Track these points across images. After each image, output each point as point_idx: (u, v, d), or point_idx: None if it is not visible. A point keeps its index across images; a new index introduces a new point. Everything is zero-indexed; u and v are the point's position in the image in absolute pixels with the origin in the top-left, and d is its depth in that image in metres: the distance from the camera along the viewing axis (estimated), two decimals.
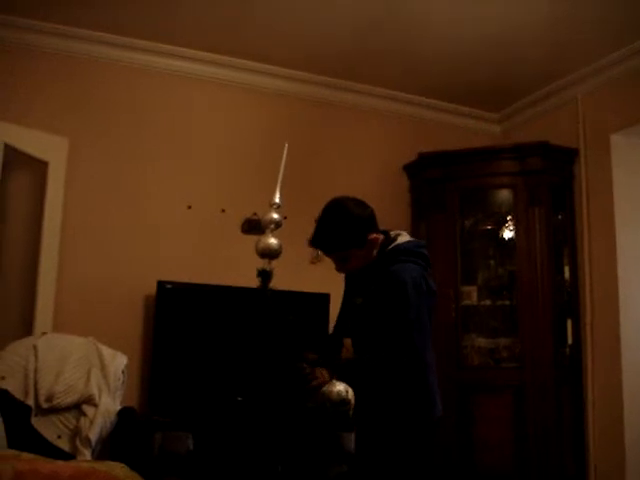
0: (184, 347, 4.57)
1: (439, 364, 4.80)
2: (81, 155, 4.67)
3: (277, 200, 2.53)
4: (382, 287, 2.68)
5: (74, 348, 4.03)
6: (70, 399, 3.80)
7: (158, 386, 4.49)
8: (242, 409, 4.50)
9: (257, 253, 2.50)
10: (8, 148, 4.24)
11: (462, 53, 4.95)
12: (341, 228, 2.69)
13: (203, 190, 5.02)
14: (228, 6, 4.42)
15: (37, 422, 3.75)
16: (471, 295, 5.24)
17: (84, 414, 3.80)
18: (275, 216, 2.50)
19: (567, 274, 5.21)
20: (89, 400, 3.84)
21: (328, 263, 2.83)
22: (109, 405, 3.90)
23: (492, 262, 5.39)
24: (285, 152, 2.63)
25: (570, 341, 5.11)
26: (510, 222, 5.25)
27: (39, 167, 4.49)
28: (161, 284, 4.57)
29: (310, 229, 2.75)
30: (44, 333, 4.15)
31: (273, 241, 2.47)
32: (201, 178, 5.04)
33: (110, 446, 3.91)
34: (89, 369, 3.95)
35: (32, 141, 4.40)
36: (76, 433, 3.76)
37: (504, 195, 5.35)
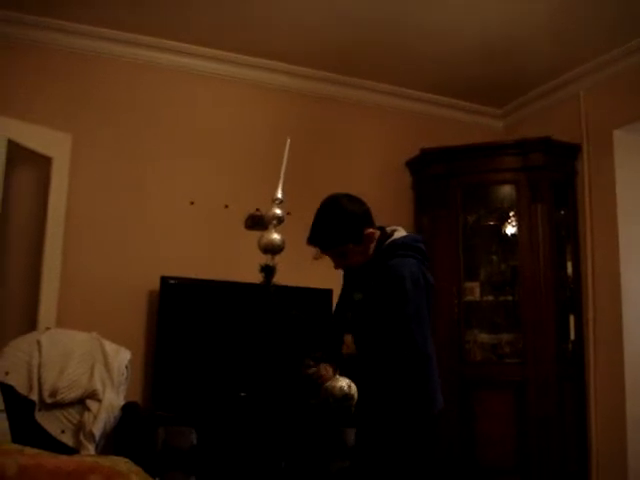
0: (187, 342, 4.58)
1: (442, 360, 4.82)
2: (84, 151, 4.68)
3: (280, 196, 2.54)
4: (381, 282, 2.69)
5: (78, 343, 4.04)
6: (74, 394, 3.82)
7: (161, 381, 4.50)
8: (245, 404, 4.51)
9: (260, 249, 2.50)
10: (12, 144, 4.24)
11: (465, 49, 4.95)
12: (336, 224, 2.71)
13: (206, 186, 5.03)
14: (231, 2, 4.42)
15: (41, 417, 3.76)
16: (474, 291, 5.24)
17: (88, 409, 3.82)
18: (278, 212, 2.51)
19: (569, 270, 5.21)
20: (93, 395, 3.85)
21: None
22: (113, 400, 3.91)
23: (495, 258, 5.40)
24: (287, 147, 2.63)
25: (572, 337, 5.11)
26: (512, 218, 5.26)
27: (43, 163, 4.50)
28: (164, 279, 4.58)
29: None
30: (48, 328, 4.16)
31: (276, 237, 2.48)
32: (204, 174, 5.05)
33: (114, 441, 3.92)
34: (93, 364, 3.96)
35: (36, 137, 4.41)
36: (80, 428, 3.78)
37: (507, 191, 5.35)
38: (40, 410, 3.77)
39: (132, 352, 4.24)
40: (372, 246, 2.79)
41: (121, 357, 4.10)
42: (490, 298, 5.27)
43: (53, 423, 3.78)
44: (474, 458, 4.90)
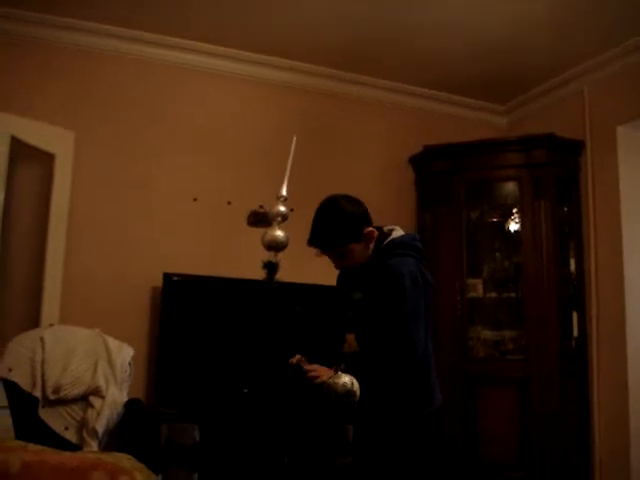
0: (190, 339, 4.58)
1: (445, 356, 4.86)
2: (87, 148, 4.68)
3: (284, 193, 2.54)
4: (380, 281, 2.72)
5: (81, 340, 4.04)
6: (77, 391, 3.82)
7: (164, 378, 4.50)
8: (248, 401, 4.52)
9: (264, 246, 2.50)
10: (15, 140, 4.25)
11: (467, 46, 4.94)
12: (337, 224, 2.74)
13: (209, 183, 5.03)
14: (234, 1, 4.41)
15: (44, 413, 3.77)
16: (477, 287, 5.25)
17: (91, 405, 3.82)
18: (282, 209, 2.51)
19: (573, 266, 5.21)
20: (96, 392, 3.86)
21: None
22: (116, 397, 3.92)
23: (498, 255, 5.39)
24: (294, 145, 2.63)
25: (576, 333, 5.11)
26: (516, 214, 5.25)
27: (46, 159, 4.51)
28: (167, 276, 4.58)
29: None
30: (51, 325, 4.18)
31: (280, 234, 2.47)
32: (207, 171, 5.05)
33: (117, 437, 3.93)
34: (96, 361, 3.96)
35: (39, 134, 4.41)
36: (83, 424, 3.79)
37: (510, 187, 5.34)
38: (43, 407, 3.78)
39: (135, 349, 4.24)
40: (371, 246, 2.82)
41: (124, 354, 4.11)
42: (493, 295, 5.27)
43: (56, 420, 3.79)
44: (477, 455, 4.90)
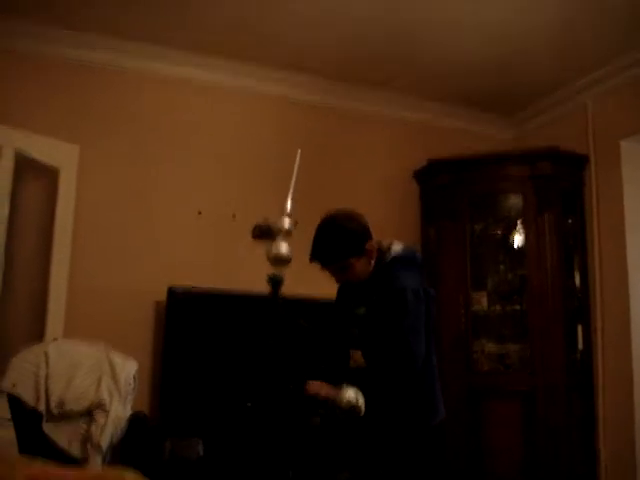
0: (195, 353, 4.58)
1: (449, 370, 4.85)
2: (92, 162, 4.69)
3: (289, 207, 2.54)
4: (382, 295, 2.74)
5: (85, 354, 4.03)
6: (81, 405, 3.81)
7: (169, 392, 4.49)
8: (252, 415, 4.50)
9: (269, 260, 2.51)
10: (19, 155, 4.26)
11: (471, 60, 4.96)
12: (338, 238, 2.77)
13: (213, 196, 5.04)
14: (237, 13, 4.44)
15: (48, 428, 3.75)
16: (481, 301, 5.24)
17: (95, 420, 3.81)
18: (287, 223, 2.51)
19: (577, 279, 5.20)
20: (100, 406, 3.84)
21: None
22: (120, 411, 3.90)
23: (502, 267, 5.39)
24: (298, 159, 2.64)
25: (581, 346, 5.09)
26: (520, 227, 5.24)
27: (50, 174, 4.52)
28: (172, 290, 4.57)
29: None
30: (55, 339, 4.16)
31: (284, 248, 2.48)
32: (211, 184, 5.06)
33: (121, 452, 3.92)
34: (100, 375, 3.95)
35: (43, 148, 4.42)
36: (87, 439, 3.77)
37: (514, 200, 5.34)
38: (47, 421, 3.76)
39: (139, 363, 4.22)
40: (373, 261, 2.84)
41: (128, 368, 4.09)
42: (498, 308, 5.26)
43: (60, 434, 3.77)
44: (482, 468, 4.88)
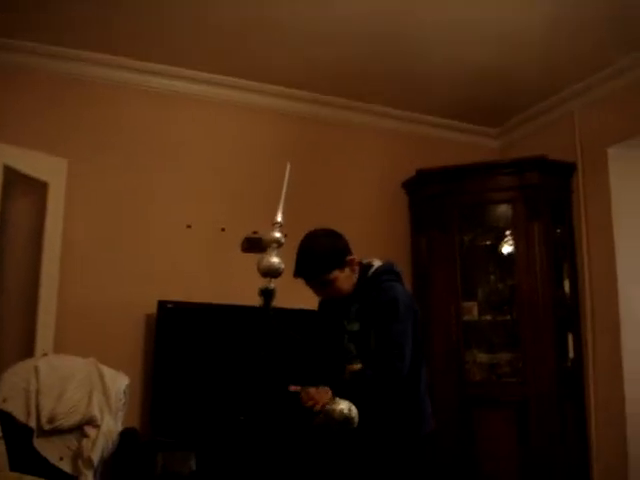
0: (186, 366, 4.56)
1: (442, 380, 4.86)
2: (80, 176, 4.67)
3: (279, 219, 2.55)
4: (374, 307, 2.76)
5: (75, 369, 4.02)
6: (72, 420, 3.79)
7: (160, 406, 4.47)
8: (245, 428, 4.49)
9: (259, 272, 2.51)
10: (8, 169, 4.24)
11: (459, 71, 4.99)
12: (319, 252, 2.79)
13: (203, 209, 5.03)
14: (227, 27, 4.45)
15: (39, 444, 3.73)
16: (472, 310, 5.24)
17: (86, 435, 3.79)
18: (278, 235, 2.51)
19: (567, 288, 5.20)
20: (91, 421, 3.83)
21: None
22: (111, 426, 3.88)
23: (492, 277, 5.40)
24: (287, 171, 2.65)
25: (572, 355, 5.10)
26: (509, 237, 5.26)
27: (39, 188, 4.50)
28: (162, 304, 4.56)
29: None
30: (45, 354, 4.15)
31: (275, 260, 2.48)
32: (200, 197, 5.05)
33: (113, 467, 3.89)
34: (90, 390, 3.93)
35: (32, 162, 4.40)
36: (78, 454, 3.74)
37: (503, 210, 5.35)
38: (38, 437, 3.74)
39: (130, 377, 4.21)
40: (355, 275, 2.87)
41: (119, 382, 4.08)
42: (488, 317, 5.27)
43: (51, 450, 3.75)
44: (475, 478, 4.86)
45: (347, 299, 2.86)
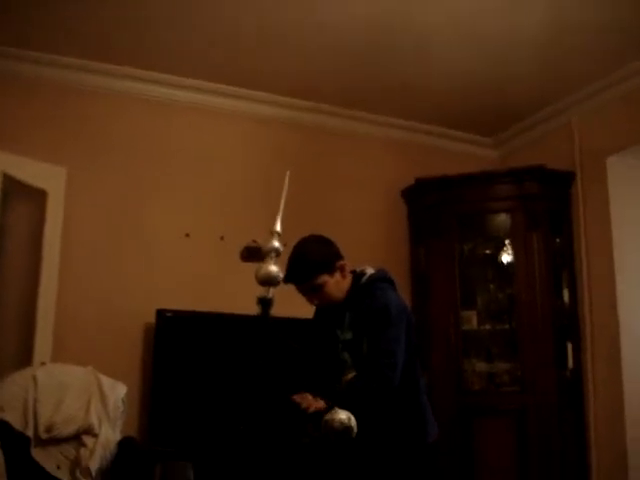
0: (184, 375, 4.55)
1: (441, 388, 4.85)
2: (79, 184, 4.67)
3: (278, 228, 2.54)
4: (366, 315, 2.77)
5: (73, 378, 4.01)
6: (70, 429, 3.78)
7: (158, 415, 4.46)
8: (244, 438, 4.47)
9: (257, 281, 2.50)
10: (7, 178, 4.24)
11: (458, 81, 5.00)
12: (308, 256, 2.82)
13: (201, 218, 5.03)
14: (228, 36, 4.46)
15: (37, 453, 3.72)
16: (471, 320, 5.23)
17: (84, 444, 3.78)
18: (276, 244, 2.51)
19: (566, 297, 5.20)
20: (89, 430, 3.82)
21: None
22: (109, 435, 3.88)
23: (491, 286, 5.39)
24: (287, 180, 2.65)
25: (571, 364, 5.09)
26: (508, 246, 5.26)
27: (38, 196, 4.49)
28: (160, 312, 4.55)
29: None
30: (43, 363, 4.14)
31: (274, 268, 2.48)
32: (199, 206, 5.05)
33: (111, 476, 3.88)
34: (89, 399, 3.92)
35: (31, 171, 4.40)
36: (76, 464, 3.73)
37: (502, 219, 5.36)
38: (36, 446, 3.73)
39: (128, 386, 4.20)
40: (347, 282, 2.87)
41: (117, 391, 4.07)
42: (487, 327, 5.26)
43: (49, 459, 3.74)
44: None
45: (341, 307, 2.87)
